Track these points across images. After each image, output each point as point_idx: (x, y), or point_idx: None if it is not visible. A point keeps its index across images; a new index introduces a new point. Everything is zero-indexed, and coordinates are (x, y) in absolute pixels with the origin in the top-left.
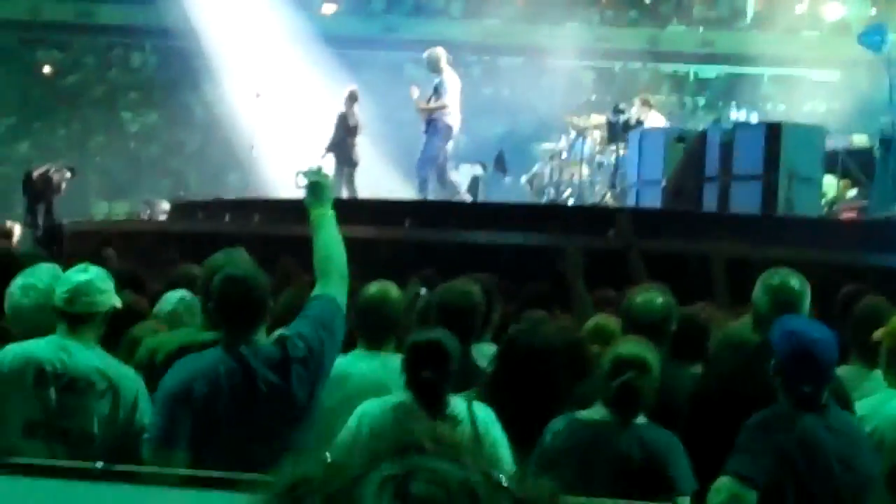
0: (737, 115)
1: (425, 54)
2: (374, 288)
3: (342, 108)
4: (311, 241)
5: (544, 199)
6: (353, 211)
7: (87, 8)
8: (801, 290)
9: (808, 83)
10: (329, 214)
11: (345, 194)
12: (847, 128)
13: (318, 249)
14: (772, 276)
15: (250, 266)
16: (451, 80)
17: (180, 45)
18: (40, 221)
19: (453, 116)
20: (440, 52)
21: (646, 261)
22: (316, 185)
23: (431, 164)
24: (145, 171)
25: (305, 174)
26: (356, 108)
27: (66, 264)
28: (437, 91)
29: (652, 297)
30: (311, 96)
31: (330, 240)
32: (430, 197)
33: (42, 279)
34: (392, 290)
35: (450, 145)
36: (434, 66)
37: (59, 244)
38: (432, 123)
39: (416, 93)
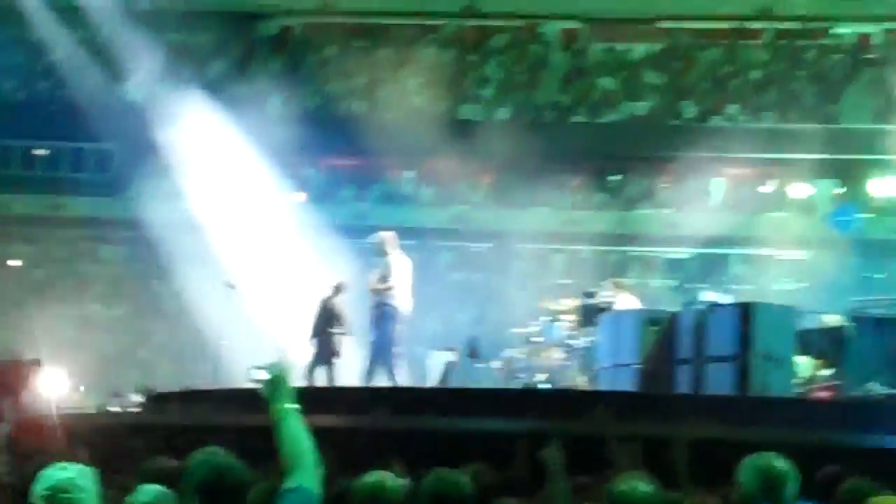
0: (709, 296)
1: (373, 238)
2: (371, 478)
3: (327, 298)
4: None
5: (517, 385)
6: (327, 400)
7: (55, 201)
8: (787, 472)
9: (776, 263)
10: (289, 409)
11: (324, 383)
12: (818, 307)
13: (284, 443)
14: (758, 457)
15: (232, 458)
16: (399, 263)
17: (149, 236)
18: (8, 416)
19: (402, 300)
20: (385, 235)
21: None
22: (274, 381)
23: (388, 351)
24: (114, 363)
25: (265, 369)
26: (340, 298)
27: (36, 459)
28: (384, 274)
29: (634, 485)
30: (282, 285)
31: (296, 432)
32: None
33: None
34: (388, 480)
35: (401, 329)
36: (380, 250)
37: (28, 438)
38: (381, 308)
39: (373, 276)
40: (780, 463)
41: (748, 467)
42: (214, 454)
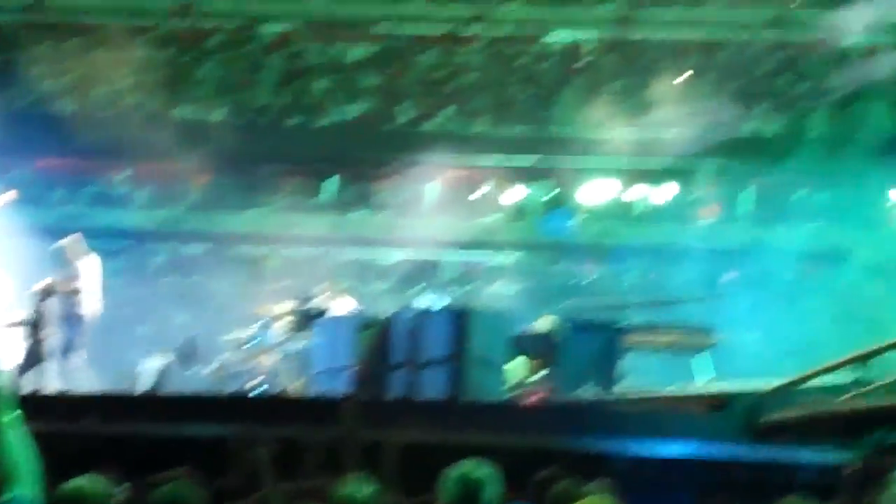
0: (425, 300)
1: (60, 242)
2: (72, 485)
3: (37, 301)
4: None
5: (232, 390)
6: (38, 406)
7: None
8: (484, 479)
9: (489, 268)
10: (9, 417)
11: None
12: (530, 312)
13: (2, 452)
14: (458, 466)
15: None
16: (86, 267)
17: None
18: None
19: (89, 303)
20: (66, 243)
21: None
22: None
23: (68, 354)
24: None
25: None
26: (50, 301)
27: None
28: (71, 277)
29: (357, 488)
30: None
31: (14, 441)
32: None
33: None
34: (88, 485)
35: (85, 333)
36: (62, 259)
37: None
38: (68, 314)
39: (48, 280)
40: (479, 471)
41: (448, 477)
42: None
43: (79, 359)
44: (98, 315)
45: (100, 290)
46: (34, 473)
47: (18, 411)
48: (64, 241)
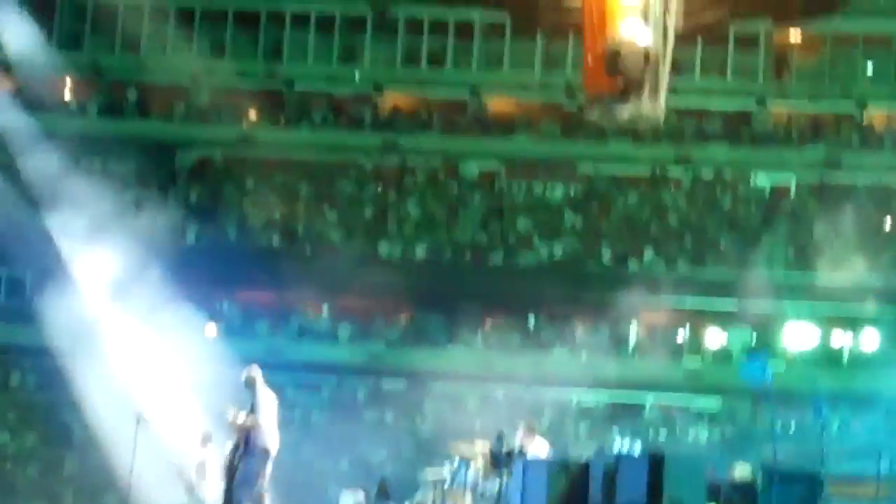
0: (620, 443)
1: (243, 374)
2: None
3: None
4: None
5: None
6: None
7: None
8: None
9: (689, 412)
10: None
11: None
12: (729, 454)
13: None
14: None
15: None
16: (266, 399)
17: (60, 365)
18: None
19: (270, 436)
20: (254, 370)
21: None
22: None
23: (249, 488)
24: (22, 493)
25: None
26: (209, 448)
27: None
28: (253, 409)
29: None
30: (192, 418)
31: None
32: None
33: None
34: None
35: (268, 468)
36: (250, 384)
37: None
38: (248, 443)
39: (232, 413)
40: None
41: None
42: None
43: (260, 490)
44: (275, 448)
45: (275, 424)
46: None
47: None
48: (251, 367)
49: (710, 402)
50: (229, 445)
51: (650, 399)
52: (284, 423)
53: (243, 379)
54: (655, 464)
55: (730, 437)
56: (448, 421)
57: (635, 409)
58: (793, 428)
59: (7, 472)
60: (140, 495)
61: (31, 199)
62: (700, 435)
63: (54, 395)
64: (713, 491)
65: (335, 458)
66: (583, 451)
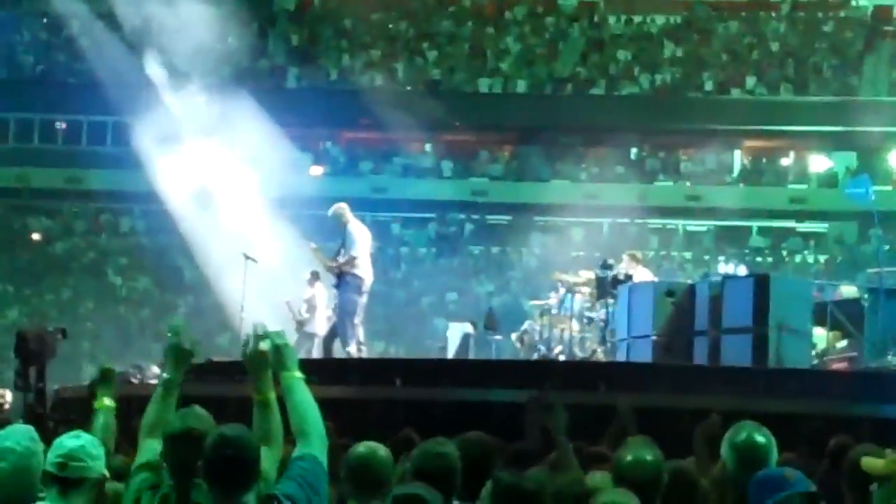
0: (725, 268)
1: (330, 211)
2: (362, 448)
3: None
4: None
5: (535, 356)
6: (342, 371)
7: (75, 174)
8: (766, 445)
9: (796, 236)
10: (297, 377)
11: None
12: (836, 277)
13: (293, 411)
14: (738, 432)
15: (242, 427)
16: (359, 233)
17: (169, 209)
18: (32, 385)
19: (364, 269)
20: (343, 207)
21: (637, 416)
22: (279, 349)
23: (350, 319)
24: (136, 336)
25: (267, 338)
26: (316, 286)
27: (55, 430)
28: (345, 245)
29: (642, 453)
30: (296, 259)
31: (304, 402)
32: (356, 353)
33: (20, 442)
34: (380, 449)
35: (364, 298)
36: (339, 221)
37: (49, 409)
38: (343, 278)
39: (316, 250)
40: (760, 437)
41: (729, 443)
42: (227, 428)
43: (358, 322)
44: (370, 281)
45: (369, 257)
46: (322, 433)
47: (302, 374)
48: (339, 205)
49: (817, 227)
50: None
51: (755, 225)
52: (392, 260)
53: (330, 215)
54: (761, 285)
55: (837, 260)
56: (554, 253)
57: (742, 235)
58: None
59: (121, 315)
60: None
61: (131, 45)
62: (807, 259)
63: (164, 240)
64: (819, 310)
65: (443, 292)
66: (689, 277)
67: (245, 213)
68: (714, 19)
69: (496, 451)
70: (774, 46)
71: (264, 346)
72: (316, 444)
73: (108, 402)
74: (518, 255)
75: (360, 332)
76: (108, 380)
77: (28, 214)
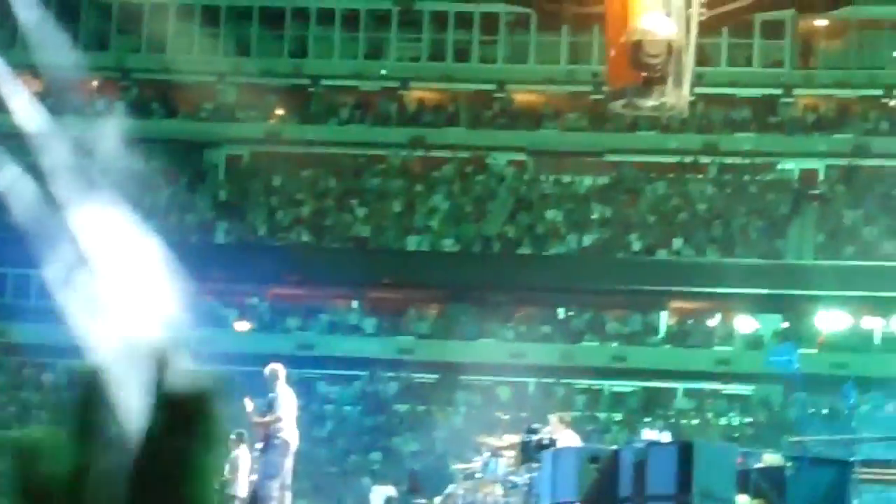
0: (650, 434)
1: (266, 369)
2: None
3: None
4: None
5: None
6: None
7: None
8: None
9: (721, 399)
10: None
11: None
12: (760, 441)
13: None
14: None
15: None
16: (286, 396)
17: (92, 363)
18: None
19: (289, 432)
20: (277, 367)
21: None
22: None
23: (271, 481)
24: None
25: None
26: (240, 448)
27: None
28: (271, 406)
29: None
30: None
31: None
32: None
33: None
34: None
35: (289, 462)
36: (270, 382)
37: None
38: (269, 440)
39: (250, 406)
40: None
41: None
42: None
43: (281, 485)
44: (296, 443)
45: (295, 420)
46: None
47: None
48: (273, 366)
49: (742, 389)
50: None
51: (681, 386)
52: (317, 418)
53: (266, 374)
54: (685, 452)
55: (761, 423)
56: (480, 413)
57: (667, 397)
58: (824, 412)
59: None
60: None
61: (55, 200)
62: (732, 422)
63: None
64: (742, 478)
65: (367, 451)
66: (615, 440)
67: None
68: (642, 180)
69: None
70: (701, 208)
71: None
72: None
73: None
74: (444, 415)
75: (287, 497)
76: None
77: None
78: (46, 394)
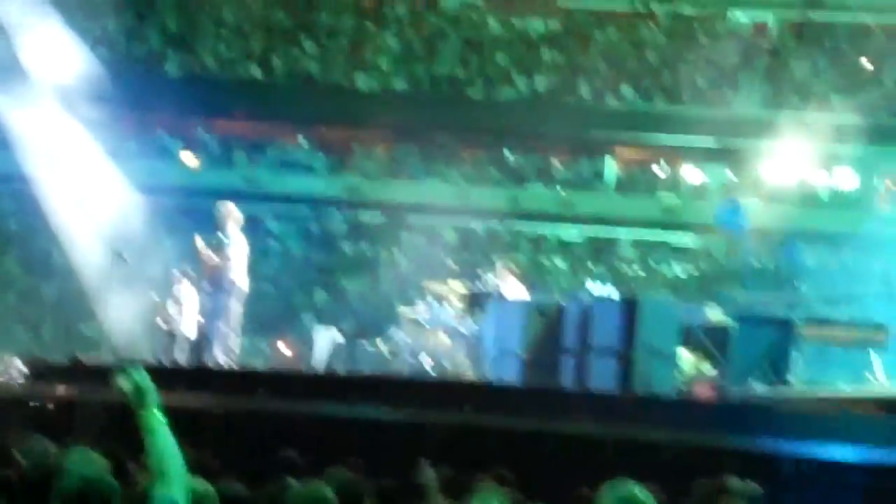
0: (595, 287)
1: (219, 209)
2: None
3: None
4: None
5: (404, 367)
6: (205, 380)
7: None
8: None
9: (665, 248)
10: (154, 415)
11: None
12: (703, 293)
13: (150, 452)
14: (618, 487)
15: (103, 467)
16: (238, 240)
17: (38, 191)
18: None
19: (239, 276)
20: (229, 209)
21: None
22: (136, 388)
23: (218, 321)
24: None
25: (126, 375)
26: (186, 285)
27: None
28: (219, 248)
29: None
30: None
31: (162, 440)
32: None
33: None
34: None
35: (238, 309)
36: (220, 223)
37: None
38: (219, 283)
39: (200, 244)
40: (642, 495)
41: (609, 496)
42: (85, 463)
43: (228, 328)
44: (245, 287)
45: (245, 262)
46: (181, 472)
47: (161, 412)
48: (226, 206)
49: (687, 239)
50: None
51: (626, 236)
52: (263, 254)
53: (218, 214)
54: (629, 308)
55: (706, 274)
56: (426, 254)
57: (612, 245)
58: (768, 269)
59: None
60: (118, 326)
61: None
62: (675, 271)
63: (31, 222)
64: (685, 334)
65: (312, 289)
66: (558, 287)
67: (115, 199)
68: (592, 26)
69: (366, 491)
70: (652, 56)
71: (124, 383)
72: (176, 484)
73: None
74: (389, 255)
75: (232, 338)
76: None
77: None
78: None
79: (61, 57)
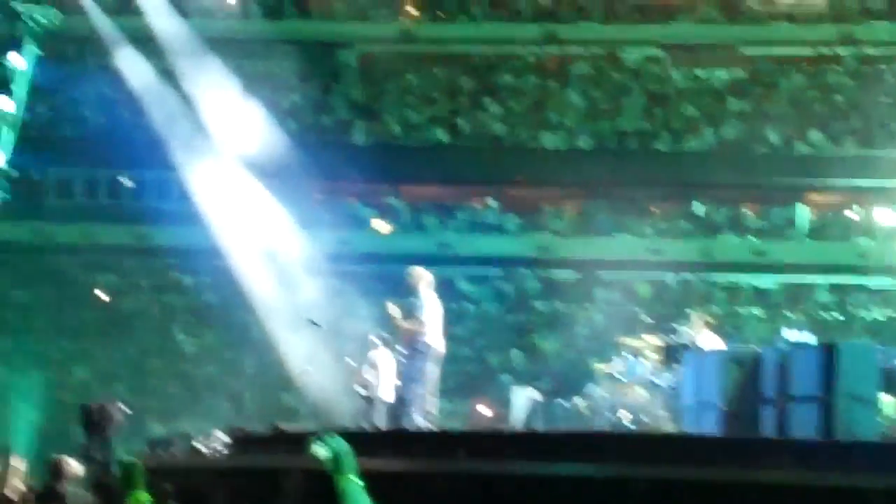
0: (791, 334)
1: (409, 273)
2: None
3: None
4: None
5: (602, 423)
6: (403, 443)
7: (141, 230)
8: None
9: (864, 291)
10: (353, 481)
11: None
12: None
13: None
14: None
15: None
16: (430, 302)
17: (233, 265)
18: (97, 456)
19: (435, 339)
20: (419, 272)
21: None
22: (335, 456)
23: (415, 386)
24: (202, 393)
25: (325, 445)
26: (382, 350)
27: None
28: (412, 310)
29: None
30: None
31: None
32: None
33: None
34: None
35: (435, 371)
36: (412, 287)
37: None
38: (414, 346)
39: (394, 310)
40: None
41: None
42: None
43: (425, 390)
44: (442, 350)
45: (441, 326)
46: None
47: (358, 479)
48: (416, 270)
49: (884, 282)
50: (400, 347)
51: (823, 281)
52: (458, 316)
53: (409, 278)
54: (828, 354)
55: None
56: (619, 309)
57: (808, 291)
58: None
59: (186, 372)
60: (316, 394)
61: (191, 105)
62: (874, 314)
63: (229, 295)
64: (886, 378)
65: (508, 349)
66: (755, 339)
67: (306, 269)
68: (777, 73)
69: None
70: (839, 100)
71: (322, 451)
72: None
73: (142, 497)
74: (583, 312)
75: (431, 402)
76: (135, 475)
77: (94, 271)
78: (189, 295)
79: (251, 130)
